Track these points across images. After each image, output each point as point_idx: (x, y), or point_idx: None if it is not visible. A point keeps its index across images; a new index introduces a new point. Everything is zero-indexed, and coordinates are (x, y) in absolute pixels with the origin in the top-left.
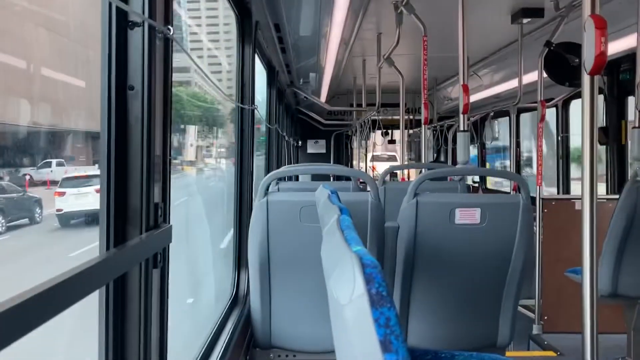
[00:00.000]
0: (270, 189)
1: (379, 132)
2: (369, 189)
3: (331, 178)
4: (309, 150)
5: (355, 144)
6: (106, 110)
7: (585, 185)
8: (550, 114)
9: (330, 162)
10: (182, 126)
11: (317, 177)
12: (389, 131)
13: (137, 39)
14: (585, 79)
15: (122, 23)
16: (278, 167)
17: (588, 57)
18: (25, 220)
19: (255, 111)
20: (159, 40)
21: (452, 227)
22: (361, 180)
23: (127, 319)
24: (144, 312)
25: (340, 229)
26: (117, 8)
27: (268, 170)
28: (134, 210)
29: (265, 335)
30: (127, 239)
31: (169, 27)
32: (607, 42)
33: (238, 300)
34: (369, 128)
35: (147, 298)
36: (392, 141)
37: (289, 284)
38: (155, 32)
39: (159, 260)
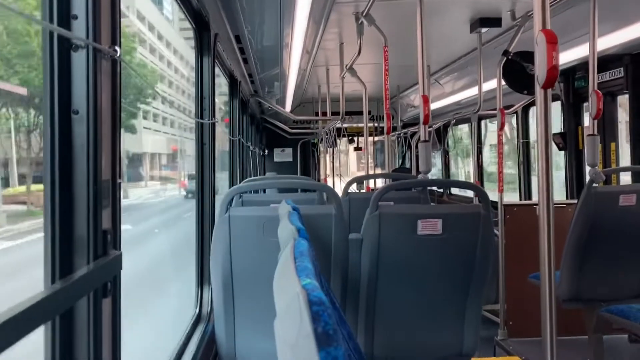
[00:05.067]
0: (234, 203)
1: (345, 140)
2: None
3: (298, 189)
4: (276, 159)
5: (321, 153)
6: (49, 135)
7: (542, 191)
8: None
9: (297, 170)
10: None
11: (284, 189)
12: (355, 138)
13: (80, 61)
14: (539, 91)
15: (64, 45)
16: (243, 179)
17: (541, 71)
18: None
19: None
20: (105, 61)
21: (415, 238)
22: None
23: (76, 353)
24: (94, 345)
25: (293, 257)
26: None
27: (232, 183)
28: (81, 238)
29: (230, 352)
30: (74, 270)
31: (116, 47)
32: (558, 56)
33: (202, 317)
34: (335, 136)
35: (97, 329)
36: (358, 148)
37: (253, 299)
38: (101, 54)
39: (110, 289)
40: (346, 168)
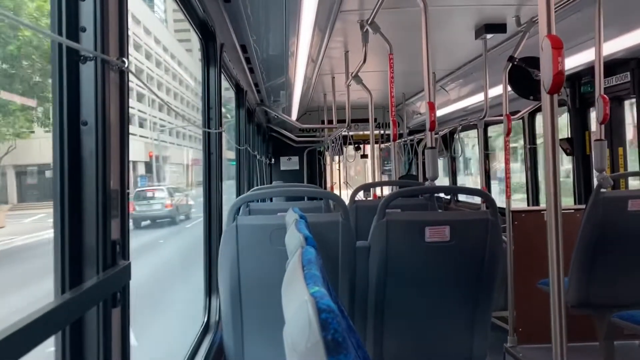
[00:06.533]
0: (241, 211)
1: (351, 147)
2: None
3: (305, 197)
4: (282, 168)
5: (327, 161)
6: (58, 146)
7: (550, 197)
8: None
9: (303, 179)
10: None
11: (291, 197)
12: (361, 146)
13: (89, 73)
14: (545, 96)
15: (73, 57)
16: (250, 187)
17: (546, 77)
18: None
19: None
20: (113, 73)
21: (423, 245)
22: None
23: None
24: (104, 354)
25: (301, 265)
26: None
27: (239, 192)
28: (90, 248)
29: None
30: (84, 280)
31: (124, 59)
32: (564, 61)
33: (210, 326)
34: (341, 144)
35: (106, 339)
36: (364, 156)
37: (261, 308)
38: (109, 65)
39: (119, 299)
40: (363, 177)
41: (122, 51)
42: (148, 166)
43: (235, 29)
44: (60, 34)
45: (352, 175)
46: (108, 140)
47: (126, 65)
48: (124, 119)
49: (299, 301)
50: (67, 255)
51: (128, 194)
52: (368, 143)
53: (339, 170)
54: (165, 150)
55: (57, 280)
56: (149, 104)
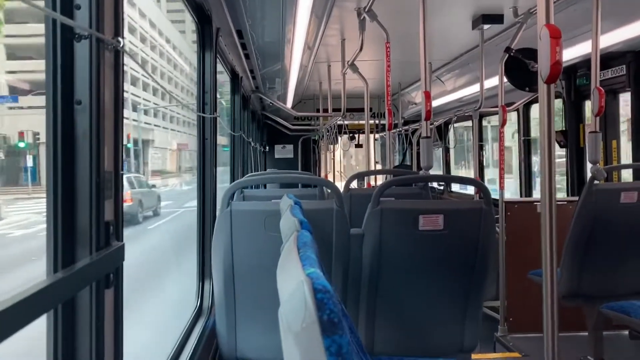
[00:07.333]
0: (235, 198)
1: (346, 136)
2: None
3: (299, 184)
4: (277, 156)
5: (322, 149)
6: (52, 126)
7: (544, 188)
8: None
9: (298, 167)
10: None
11: (285, 184)
12: (356, 135)
13: (83, 51)
14: (542, 86)
15: (67, 35)
16: (244, 175)
17: (544, 66)
18: None
19: (218, 119)
20: (108, 52)
21: (416, 234)
22: None
23: (78, 343)
24: (96, 334)
25: (297, 248)
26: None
27: (233, 178)
28: (83, 229)
29: (230, 346)
30: (76, 260)
31: (119, 38)
32: (562, 51)
33: (202, 311)
34: (336, 133)
35: (99, 319)
36: (359, 145)
37: (254, 293)
38: (104, 44)
39: (112, 281)
40: (365, 166)
41: (117, 30)
42: (126, 150)
43: (232, 13)
44: (54, 9)
45: (352, 164)
46: (102, 120)
47: (121, 45)
48: (119, 99)
49: (294, 282)
50: (59, 235)
51: (122, 175)
52: (363, 132)
53: (333, 159)
54: (146, 133)
55: (49, 260)
56: (131, 82)
